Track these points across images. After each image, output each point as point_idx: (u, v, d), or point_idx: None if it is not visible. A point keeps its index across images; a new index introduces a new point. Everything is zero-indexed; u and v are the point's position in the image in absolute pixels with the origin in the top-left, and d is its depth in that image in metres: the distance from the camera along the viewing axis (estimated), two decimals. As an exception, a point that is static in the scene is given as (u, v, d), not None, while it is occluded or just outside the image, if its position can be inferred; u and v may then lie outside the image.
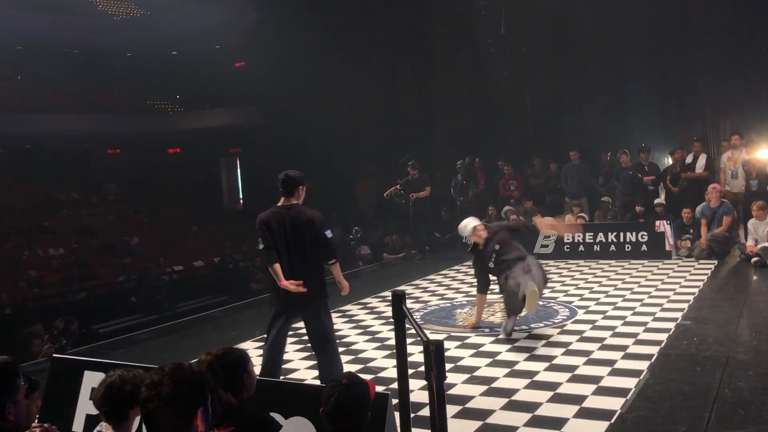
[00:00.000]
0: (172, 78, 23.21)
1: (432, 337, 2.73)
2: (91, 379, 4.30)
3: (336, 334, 7.23)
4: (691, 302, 7.56)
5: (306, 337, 7.22)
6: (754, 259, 9.47)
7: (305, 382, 5.55)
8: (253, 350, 6.68)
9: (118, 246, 17.42)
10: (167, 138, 23.89)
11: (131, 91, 23.79)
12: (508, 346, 6.31)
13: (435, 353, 2.30)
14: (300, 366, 6.20)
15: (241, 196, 25.05)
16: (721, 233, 10.29)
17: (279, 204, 5.21)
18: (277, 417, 3.58)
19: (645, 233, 10.83)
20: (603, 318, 7.16)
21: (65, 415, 4.36)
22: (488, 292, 7.12)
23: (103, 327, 12.13)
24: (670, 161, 12.54)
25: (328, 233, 5.19)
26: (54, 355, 5.80)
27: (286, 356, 6.52)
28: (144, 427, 2.14)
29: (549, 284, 9.23)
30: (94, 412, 4.16)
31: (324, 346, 5.24)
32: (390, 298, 8.24)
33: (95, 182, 22.23)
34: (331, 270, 5.25)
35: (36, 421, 3.53)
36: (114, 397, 2.86)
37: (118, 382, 2.88)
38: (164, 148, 24.98)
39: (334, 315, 8.17)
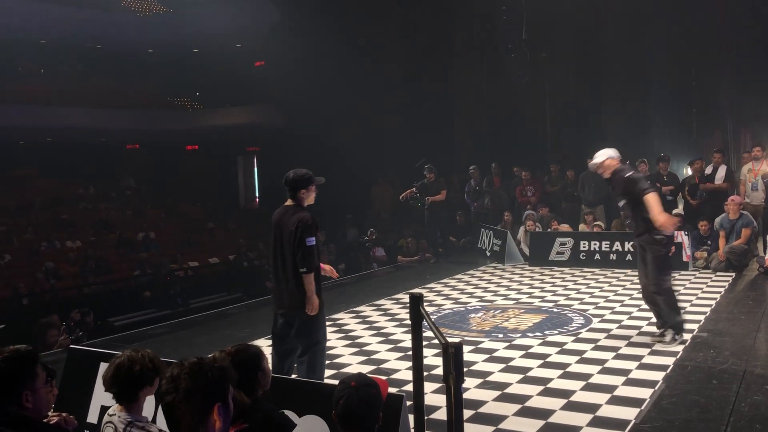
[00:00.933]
0: (193, 75, 23.40)
1: (449, 340, 2.72)
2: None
3: (349, 335, 7.29)
4: (707, 314, 7.49)
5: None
6: (772, 273, 9.38)
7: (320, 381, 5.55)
8: (267, 348, 6.68)
9: (135, 240, 17.55)
10: (186, 135, 24.06)
11: (151, 88, 23.98)
12: (522, 353, 6.28)
13: (454, 356, 2.29)
14: (313, 365, 6.20)
15: (257, 195, 25.15)
16: (740, 246, 10.18)
17: (285, 204, 5.15)
18: (291, 415, 3.59)
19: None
20: (618, 327, 7.11)
21: (80, 406, 4.40)
22: None
23: (119, 320, 12.23)
24: (690, 172, 12.43)
25: (309, 241, 4.87)
26: (71, 346, 5.85)
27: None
28: (164, 418, 2.15)
29: (564, 292, 9.24)
30: (109, 403, 4.21)
31: (287, 357, 5.17)
32: (403, 300, 8.25)
33: (114, 177, 22.43)
34: (303, 280, 4.93)
35: (52, 410, 3.56)
36: (123, 378, 2.88)
37: (127, 363, 2.90)
38: (183, 145, 25.16)
39: (347, 315, 8.24)
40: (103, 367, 4.41)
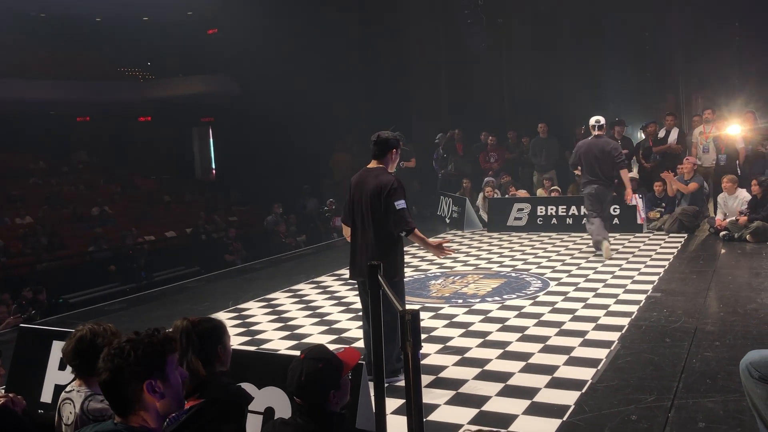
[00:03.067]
0: (143, 44, 22.66)
1: (407, 307, 2.71)
2: (61, 350, 4.23)
3: (310, 305, 7.28)
4: (661, 275, 7.68)
5: (279, 308, 7.26)
6: (722, 233, 9.63)
7: (279, 352, 5.54)
8: (227, 321, 6.64)
9: (89, 215, 17.15)
10: (138, 106, 23.41)
11: (101, 57, 23.21)
12: (481, 317, 6.35)
13: (411, 323, 2.28)
14: (274, 336, 6.19)
15: (213, 167, 24.74)
16: (692, 207, 10.44)
17: (368, 165, 4.96)
18: (251, 387, 3.56)
19: (617, 207, 10.94)
20: (575, 290, 7.24)
21: (33, 386, 4.29)
22: None
23: (73, 297, 11.97)
24: (643, 135, 12.64)
25: (399, 204, 4.70)
26: (21, 325, 5.70)
27: (259, 326, 6.53)
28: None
29: (522, 256, 9.37)
30: (63, 381, 4.12)
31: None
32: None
33: (64, 150, 21.78)
34: (413, 240, 4.86)
35: (2, 391, 3.47)
36: (85, 350, 2.83)
37: (89, 335, 2.86)
38: (135, 116, 24.49)
39: (308, 286, 8.23)
40: (56, 345, 4.32)
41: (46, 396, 4.25)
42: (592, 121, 8.85)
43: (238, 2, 18.13)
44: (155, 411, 2.05)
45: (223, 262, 13.36)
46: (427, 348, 5.42)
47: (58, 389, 4.10)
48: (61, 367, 4.26)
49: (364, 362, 3.68)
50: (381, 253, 4.73)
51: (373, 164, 4.94)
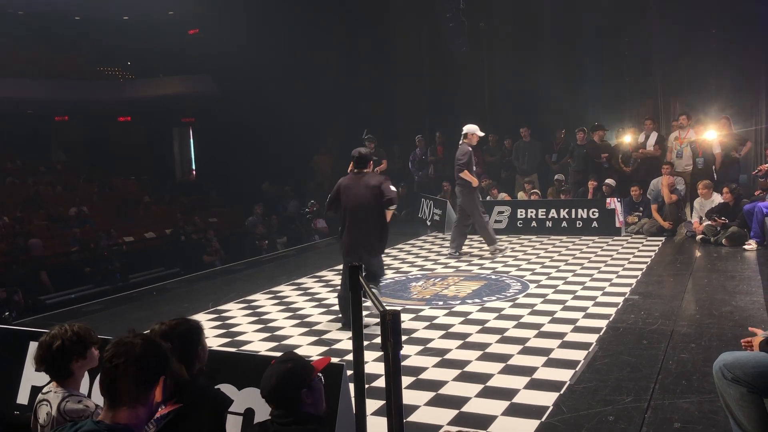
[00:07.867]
0: (124, 44, 22.48)
1: (388, 308, 2.72)
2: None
3: (290, 307, 7.28)
4: (638, 278, 7.77)
5: (259, 310, 7.25)
6: (699, 237, 9.77)
7: (259, 353, 5.52)
8: (206, 322, 6.62)
9: (67, 216, 16.95)
10: (118, 106, 23.21)
11: (80, 57, 22.97)
12: (461, 319, 6.39)
13: (391, 324, 2.29)
14: (254, 338, 6.17)
15: (194, 168, 24.59)
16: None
17: (356, 171, 6.34)
18: (231, 388, 3.55)
19: (596, 210, 11.06)
20: (554, 292, 7.30)
21: (9, 387, 4.25)
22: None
23: (51, 298, 11.82)
24: (622, 140, 12.77)
25: (393, 187, 6.26)
26: (-3, 326, 5.62)
27: (239, 328, 6.52)
28: (101, 386, 2.08)
29: (502, 258, 9.43)
30: (40, 383, 4.08)
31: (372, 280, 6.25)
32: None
33: (42, 150, 21.53)
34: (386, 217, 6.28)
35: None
36: (47, 355, 2.83)
37: (48, 339, 2.86)
38: (114, 116, 24.27)
39: (289, 288, 8.24)
40: (32, 346, 4.28)
41: (23, 397, 4.21)
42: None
43: (220, 2, 18.05)
44: (152, 406, 2.09)
45: (203, 263, 13.28)
46: (407, 349, 5.44)
47: (35, 390, 4.06)
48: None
49: (343, 364, 3.69)
50: (379, 231, 6.23)
51: (359, 170, 6.31)
